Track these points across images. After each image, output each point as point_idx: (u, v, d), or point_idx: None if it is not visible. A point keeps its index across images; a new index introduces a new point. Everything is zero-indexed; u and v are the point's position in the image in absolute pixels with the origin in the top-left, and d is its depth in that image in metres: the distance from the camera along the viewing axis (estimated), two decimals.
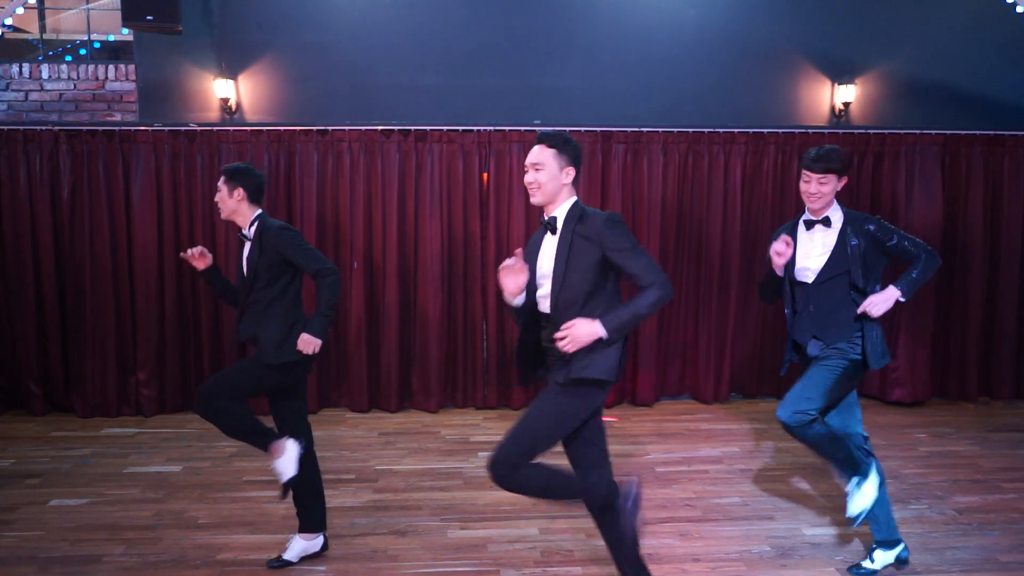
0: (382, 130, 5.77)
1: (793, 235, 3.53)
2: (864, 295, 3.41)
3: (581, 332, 2.74)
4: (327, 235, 5.81)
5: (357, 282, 5.80)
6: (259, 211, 3.72)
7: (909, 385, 6.09)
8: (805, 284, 3.51)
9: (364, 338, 5.87)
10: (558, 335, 2.76)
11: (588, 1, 6.11)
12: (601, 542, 3.81)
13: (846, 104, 6.30)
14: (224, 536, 3.90)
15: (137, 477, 4.67)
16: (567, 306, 2.83)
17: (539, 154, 2.95)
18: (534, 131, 5.82)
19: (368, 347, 5.90)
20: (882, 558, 3.57)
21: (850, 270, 3.42)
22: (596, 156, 5.89)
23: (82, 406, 5.76)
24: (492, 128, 5.81)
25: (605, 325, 2.75)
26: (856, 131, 6.07)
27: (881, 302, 3.34)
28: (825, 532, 3.97)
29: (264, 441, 3.54)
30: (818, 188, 3.42)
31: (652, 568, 3.60)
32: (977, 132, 6.08)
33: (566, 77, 6.17)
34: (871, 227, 3.43)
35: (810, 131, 6.03)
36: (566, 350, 2.76)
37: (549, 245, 2.94)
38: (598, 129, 5.87)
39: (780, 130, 6.02)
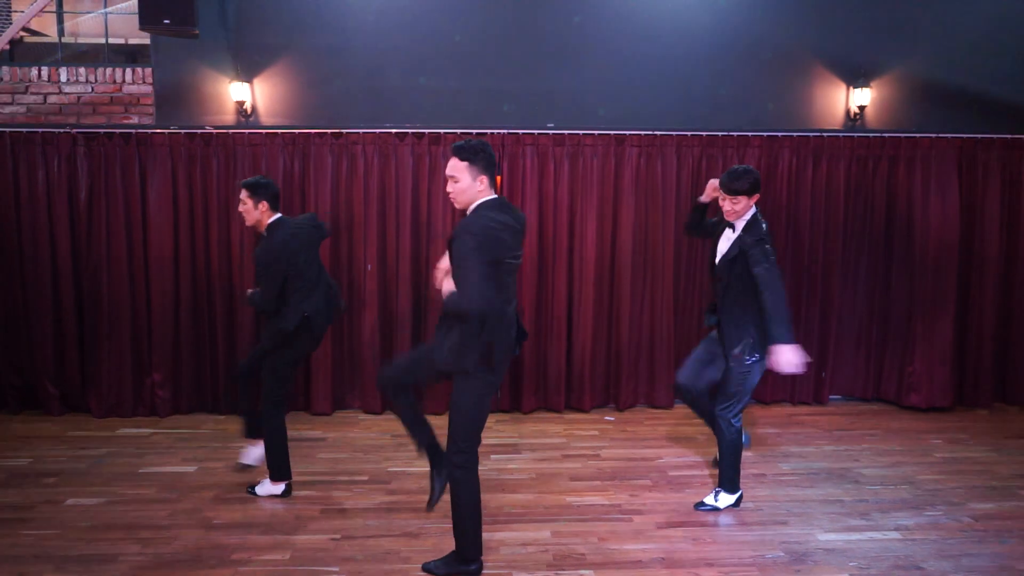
0: (396, 133, 5.79)
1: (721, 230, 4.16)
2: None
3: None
4: (341, 237, 5.84)
5: (371, 284, 5.82)
6: (277, 215, 4.22)
7: (925, 390, 6.04)
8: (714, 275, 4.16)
9: (378, 340, 5.89)
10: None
11: (602, 5, 6.11)
12: (614, 546, 3.83)
13: (861, 107, 6.26)
14: (238, 536, 3.92)
15: (152, 477, 4.71)
16: None
17: (453, 167, 3.27)
18: (548, 134, 5.83)
19: (382, 349, 5.91)
20: (725, 500, 4.28)
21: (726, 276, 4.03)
22: (609, 159, 5.89)
23: (98, 406, 5.81)
24: (506, 131, 5.81)
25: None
26: (871, 134, 6.04)
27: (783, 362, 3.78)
28: (839, 537, 3.95)
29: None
30: (731, 207, 3.98)
31: (665, 572, 3.62)
32: (994, 136, 6.03)
33: (579, 80, 6.17)
34: (748, 243, 3.92)
35: (825, 134, 6.00)
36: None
37: None
38: (612, 132, 5.87)
39: (795, 133, 5.99)
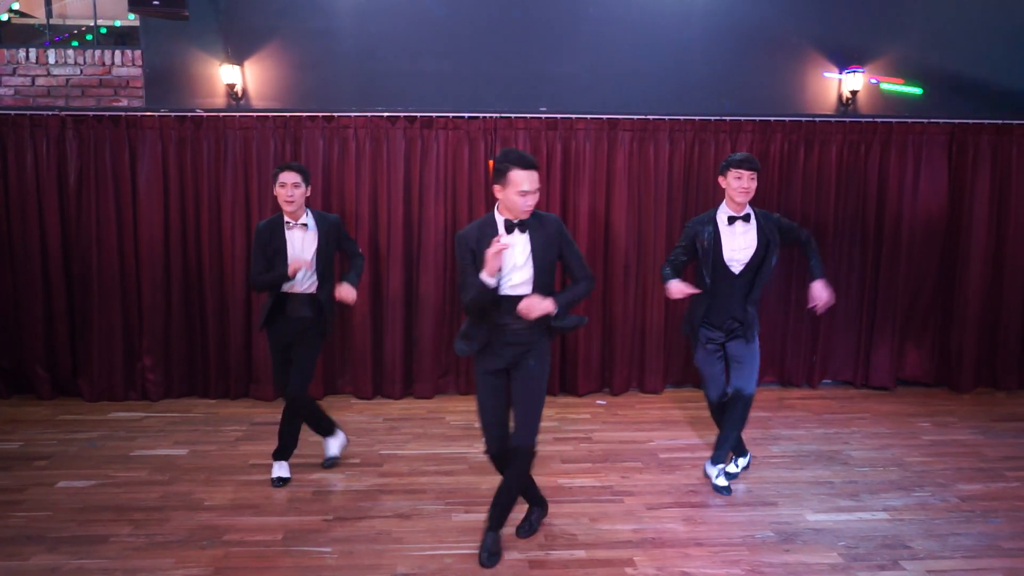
0: (388, 116, 5.76)
1: (715, 227, 4.12)
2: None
3: (540, 306, 3.34)
4: None
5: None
6: None
7: (913, 374, 6.15)
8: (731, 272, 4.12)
9: (368, 325, 5.88)
10: (523, 307, 3.32)
11: None
12: (605, 526, 3.86)
13: (853, 92, 6.26)
14: (230, 518, 3.93)
15: (144, 460, 4.71)
16: (545, 293, 3.41)
17: (537, 178, 3.38)
18: (539, 118, 5.81)
19: (372, 334, 5.91)
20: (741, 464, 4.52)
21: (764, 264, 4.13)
22: (602, 144, 5.88)
23: (89, 390, 5.79)
24: (498, 115, 5.80)
25: (557, 302, 3.39)
26: (863, 119, 6.05)
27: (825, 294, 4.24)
28: (828, 518, 3.98)
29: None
30: (751, 183, 4.03)
31: (656, 552, 3.64)
32: (985, 121, 6.05)
33: (572, 64, 6.14)
34: (782, 224, 4.22)
35: (817, 119, 6.01)
36: (529, 317, 3.35)
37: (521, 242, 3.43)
38: (604, 117, 5.86)
39: (787, 118, 6.00)
